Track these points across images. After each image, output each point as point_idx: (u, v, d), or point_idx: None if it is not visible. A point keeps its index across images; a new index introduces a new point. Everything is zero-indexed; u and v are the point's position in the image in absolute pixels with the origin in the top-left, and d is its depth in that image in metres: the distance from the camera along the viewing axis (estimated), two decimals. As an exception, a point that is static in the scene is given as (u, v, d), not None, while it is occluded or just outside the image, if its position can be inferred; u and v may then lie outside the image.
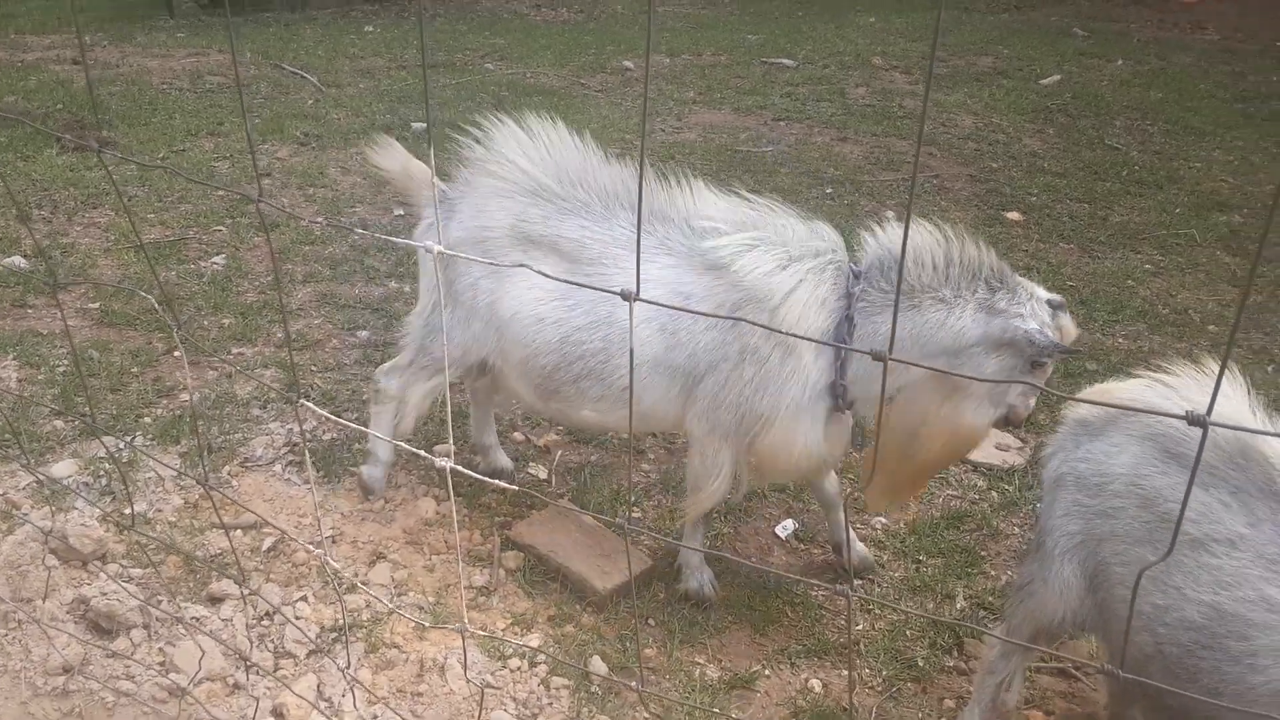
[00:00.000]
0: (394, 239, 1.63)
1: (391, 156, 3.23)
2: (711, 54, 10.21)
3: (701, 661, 2.95)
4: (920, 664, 3.02)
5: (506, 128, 3.04)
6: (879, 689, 2.94)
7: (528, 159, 3.00)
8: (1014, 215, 6.48)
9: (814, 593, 3.28)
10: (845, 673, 2.98)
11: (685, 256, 2.85)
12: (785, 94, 8.59)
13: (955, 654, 3.08)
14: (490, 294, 2.99)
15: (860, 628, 3.17)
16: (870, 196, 6.53)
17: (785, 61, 9.64)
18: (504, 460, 3.64)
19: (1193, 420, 1.11)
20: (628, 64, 9.68)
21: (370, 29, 11.23)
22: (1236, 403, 2.11)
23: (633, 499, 3.62)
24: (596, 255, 2.89)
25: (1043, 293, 2.75)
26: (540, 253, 2.93)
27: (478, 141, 3.08)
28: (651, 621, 3.08)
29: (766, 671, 2.95)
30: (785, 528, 3.56)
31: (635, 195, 2.93)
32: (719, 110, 8.17)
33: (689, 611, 3.13)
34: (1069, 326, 2.74)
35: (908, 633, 3.13)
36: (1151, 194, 6.94)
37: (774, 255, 2.75)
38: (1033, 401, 2.87)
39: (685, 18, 12.80)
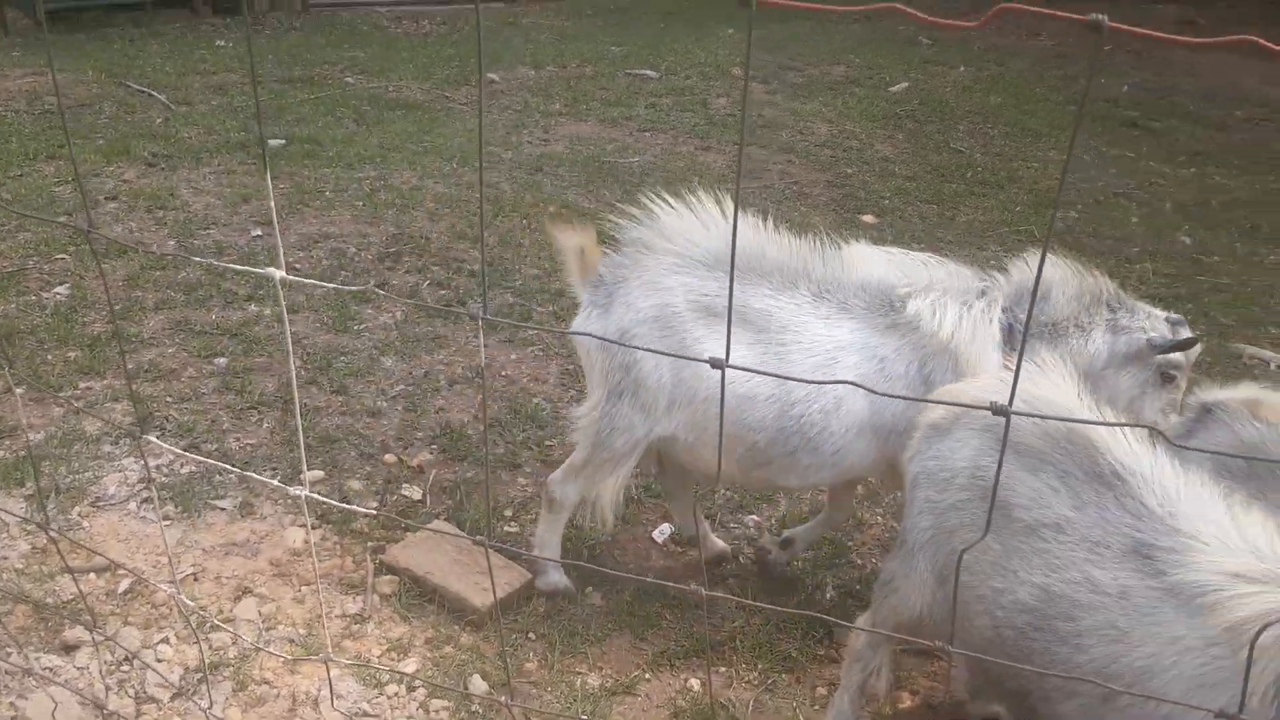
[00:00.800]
0: (232, 266, 1.58)
1: (574, 238, 3.08)
2: (576, 65, 10.27)
3: (583, 671, 2.97)
4: (794, 655, 3.13)
5: (669, 207, 3.02)
6: (755, 683, 3.02)
7: (701, 232, 2.98)
8: (868, 218, 6.77)
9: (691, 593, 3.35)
10: (723, 670, 3.06)
11: (866, 318, 2.95)
12: (649, 105, 8.73)
13: (827, 643, 3.20)
14: (679, 374, 2.92)
15: (736, 624, 3.26)
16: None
17: (648, 73, 9.79)
18: (719, 545, 3.55)
19: (996, 410, 1.21)
20: (492, 76, 9.65)
21: (222, 43, 10.83)
22: (1065, 391, 2.27)
23: (509, 513, 3.62)
24: (786, 323, 2.92)
25: (1160, 312, 2.99)
26: (722, 323, 2.91)
27: (638, 222, 3.03)
28: (532, 635, 3.08)
29: (648, 675, 3.00)
30: (662, 532, 3.62)
31: (811, 265, 2.99)
32: (585, 121, 8.24)
33: (569, 622, 3.15)
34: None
35: (781, 625, 3.23)
36: (994, 194, 7.37)
37: (952, 310, 2.91)
38: (1174, 418, 2.96)
39: (550, 29, 12.83)
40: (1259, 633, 1.27)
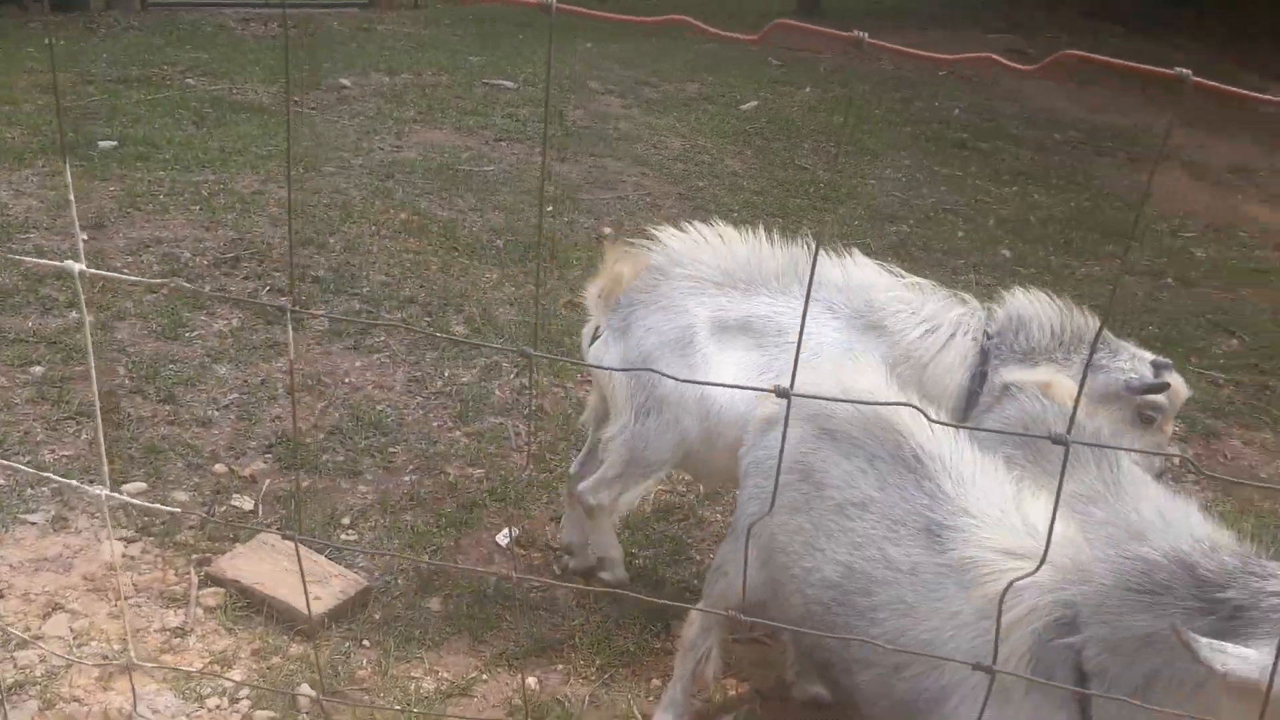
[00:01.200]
0: (24, 258, 1.51)
1: (627, 265, 3.13)
2: (433, 74, 10.17)
3: (418, 675, 2.96)
4: (631, 650, 3.20)
5: (678, 236, 3.14)
6: (592, 678, 3.08)
7: (712, 254, 3.10)
8: (719, 229, 6.98)
9: (532, 594, 3.38)
10: (561, 667, 3.11)
11: (848, 318, 3.04)
12: (507, 114, 8.74)
13: (663, 636, 3.29)
14: (699, 391, 3.02)
15: (576, 622, 3.31)
16: (589, 214, 6.79)
17: (506, 83, 9.80)
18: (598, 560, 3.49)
19: (780, 393, 1.30)
20: (344, 82, 9.45)
21: (52, 41, 10.21)
22: (874, 378, 2.44)
23: (348, 520, 3.56)
24: (786, 325, 3.03)
25: (1147, 354, 3.02)
26: (733, 335, 3.06)
27: (652, 251, 3.12)
28: (366, 642, 3.05)
29: (485, 676, 3.01)
30: (505, 535, 3.64)
31: (802, 270, 3.08)
32: (440, 129, 8.17)
33: (405, 628, 3.13)
34: (1178, 383, 2.97)
35: (620, 622, 3.30)
36: (834, 209, 7.72)
37: (922, 318, 3.02)
38: (1158, 463, 3.01)
39: (407, 37, 12.65)
40: (1004, 591, 1.41)
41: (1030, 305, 3.09)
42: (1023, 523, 1.99)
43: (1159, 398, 2.92)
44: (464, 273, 5.53)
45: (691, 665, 2.83)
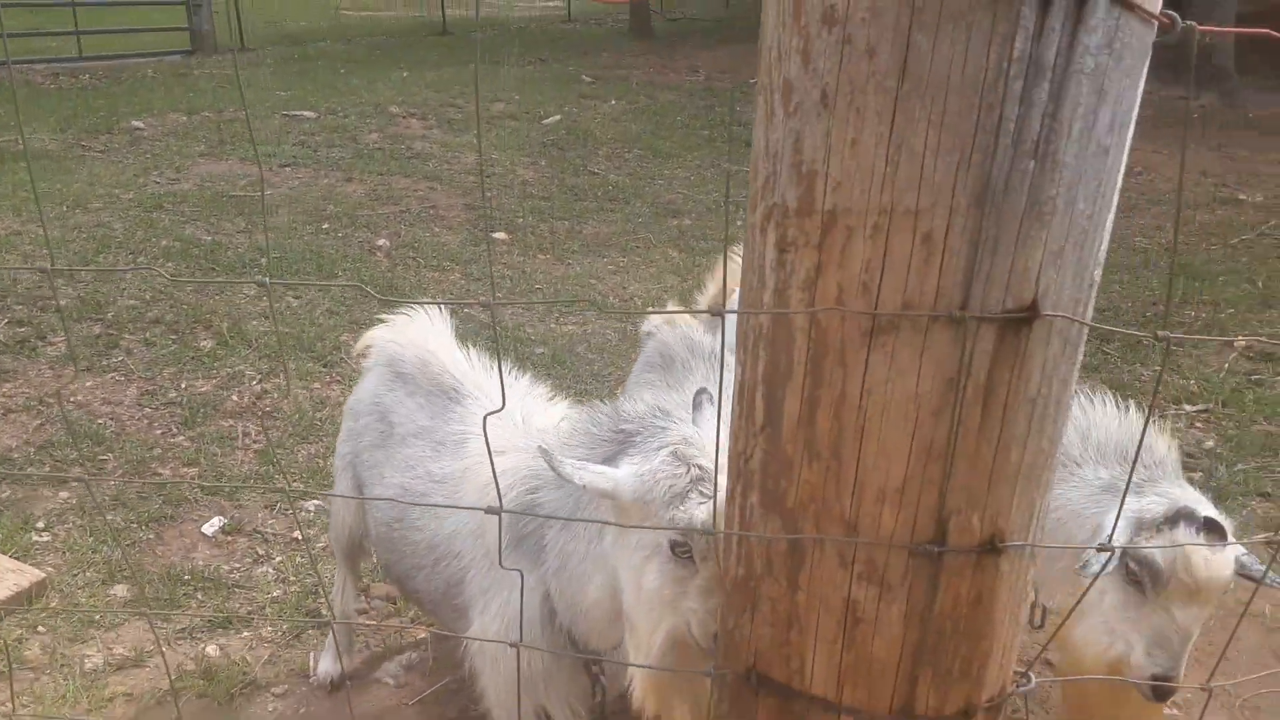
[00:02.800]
0: None
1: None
2: (233, 111, 10.20)
3: (91, 654, 3.05)
4: (323, 612, 3.36)
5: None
6: (276, 641, 3.22)
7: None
8: (501, 235, 7.22)
9: (231, 574, 3.51)
10: (246, 634, 3.24)
11: None
12: (299, 143, 8.84)
13: (360, 599, 3.45)
14: None
15: (276, 594, 3.45)
16: (366, 228, 6.95)
17: (306, 114, 9.90)
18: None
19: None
20: (138, 124, 9.40)
21: None
22: (429, 330, 2.69)
23: (42, 524, 3.62)
24: None
25: (1194, 493, 2.11)
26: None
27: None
28: (41, 629, 3.13)
29: (165, 649, 3.12)
30: (213, 524, 3.75)
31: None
32: (225, 161, 8.22)
33: (85, 614, 3.21)
34: (1198, 561, 1.95)
35: (317, 590, 3.45)
36: (621, 208, 8.06)
37: None
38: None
39: (221, 78, 12.61)
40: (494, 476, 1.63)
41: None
42: (522, 422, 2.24)
43: (1157, 561, 1.96)
44: (220, 291, 5.61)
45: (339, 605, 3.02)
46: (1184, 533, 1.93)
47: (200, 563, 3.54)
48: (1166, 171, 11.12)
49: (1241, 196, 10.05)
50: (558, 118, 10.46)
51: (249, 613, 3.33)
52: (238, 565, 3.56)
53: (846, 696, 1.54)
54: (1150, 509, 2.00)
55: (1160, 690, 1.96)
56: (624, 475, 1.74)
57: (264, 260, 6.08)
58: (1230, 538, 1.96)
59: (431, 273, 6.36)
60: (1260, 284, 7.63)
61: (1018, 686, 1.68)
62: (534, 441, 2.06)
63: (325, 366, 4.95)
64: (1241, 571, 1.96)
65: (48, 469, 3.92)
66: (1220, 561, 1.92)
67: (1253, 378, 6.14)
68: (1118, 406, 2.34)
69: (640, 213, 8.00)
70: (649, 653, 1.80)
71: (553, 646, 2.00)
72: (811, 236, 1.36)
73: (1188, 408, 5.72)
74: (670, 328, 3.10)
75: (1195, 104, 14.56)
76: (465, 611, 2.18)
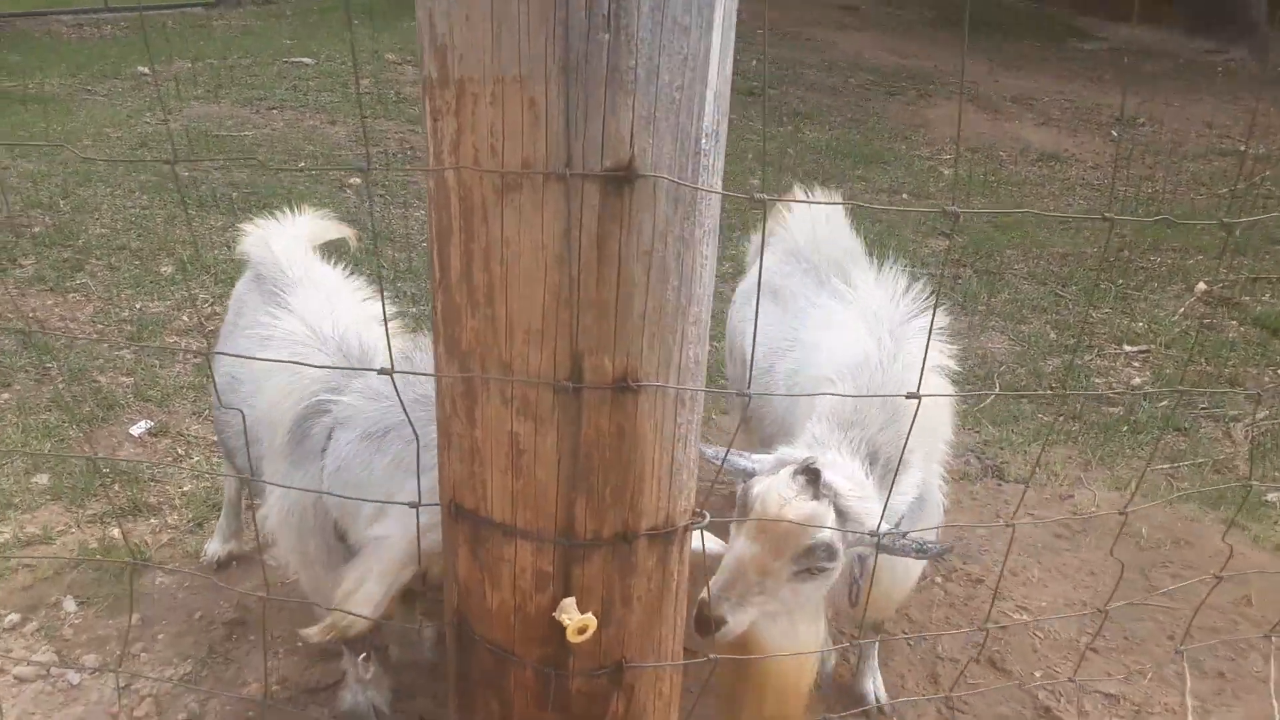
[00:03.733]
0: None
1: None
2: (238, 57, 10.47)
3: (4, 531, 3.36)
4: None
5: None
6: (180, 528, 3.52)
7: None
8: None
9: (149, 470, 3.80)
10: (154, 521, 3.54)
11: None
12: (292, 87, 9.09)
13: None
14: None
15: (187, 489, 3.73)
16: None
17: (305, 60, 10.13)
18: None
19: None
20: (143, 69, 9.71)
21: None
22: (291, 233, 2.91)
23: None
24: None
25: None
26: None
27: None
28: (-35, 510, 3.45)
29: (73, 530, 3.42)
30: (140, 427, 4.05)
31: None
32: (218, 104, 8.50)
33: (5, 498, 3.52)
34: (763, 489, 2.09)
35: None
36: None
37: None
38: None
39: (237, 28, 12.89)
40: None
41: None
42: (331, 331, 2.45)
43: (750, 494, 2.11)
44: (186, 221, 5.90)
45: (229, 491, 3.30)
46: (785, 473, 2.04)
47: (123, 458, 3.84)
48: (1173, 124, 10.96)
49: (1242, 148, 9.91)
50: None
51: (159, 503, 3.62)
52: (157, 463, 3.86)
53: (519, 520, 1.75)
54: (791, 456, 2.13)
55: (699, 620, 2.04)
56: None
57: (234, 195, 6.35)
58: (842, 498, 2.06)
59: (399, 209, 6.60)
60: (1237, 232, 7.59)
61: (693, 523, 1.88)
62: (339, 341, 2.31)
63: (277, 292, 5.21)
64: (888, 547, 2.06)
65: (-5, 374, 4.24)
66: (791, 509, 1.99)
67: (1205, 321, 6.18)
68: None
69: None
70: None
71: (323, 532, 2.25)
72: (450, 104, 1.55)
73: (1128, 348, 5.79)
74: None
75: (1223, 58, 14.22)
76: (262, 492, 2.43)
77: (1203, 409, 5.09)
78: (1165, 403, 5.96)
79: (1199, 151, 9.82)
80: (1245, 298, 6.37)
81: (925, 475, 2.43)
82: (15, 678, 2.76)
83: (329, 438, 2.23)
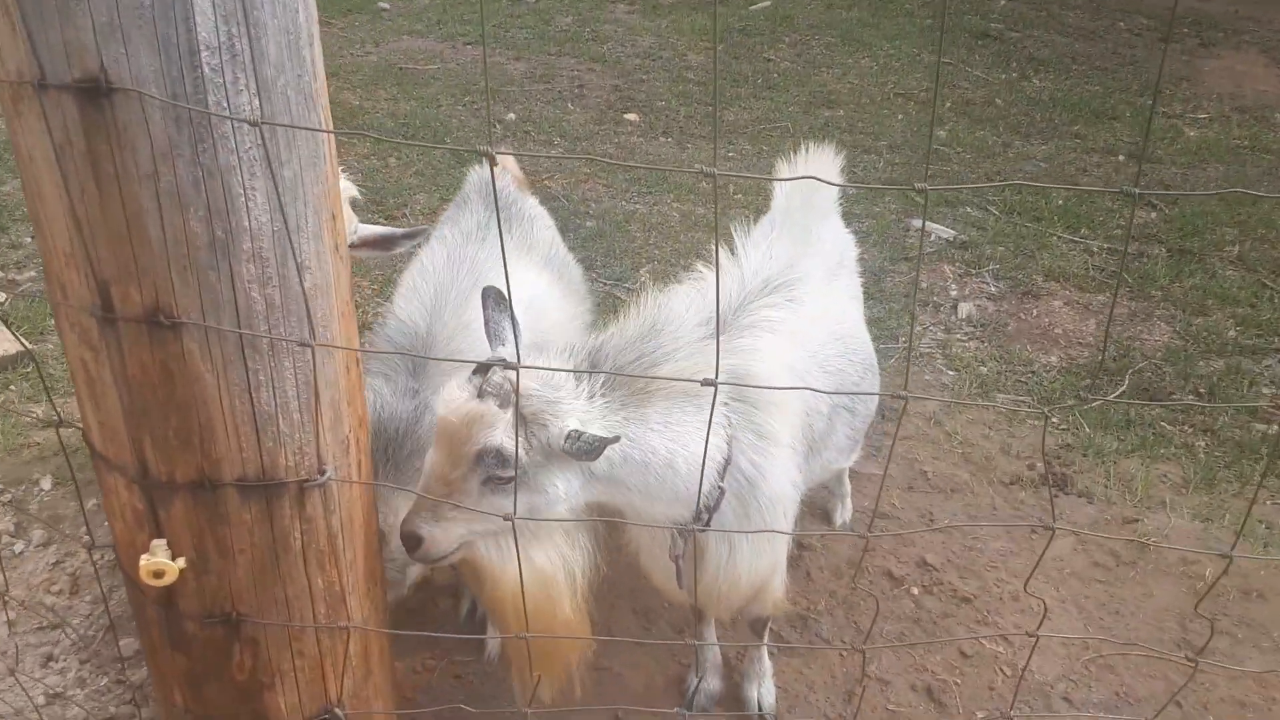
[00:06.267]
0: None
1: None
2: (472, -5, 10.98)
3: None
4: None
5: None
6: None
7: None
8: (632, 116, 7.31)
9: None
10: None
11: None
12: (498, 24, 9.38)
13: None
14: None
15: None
16: (502, 103, 7.35)
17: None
18: None
19: None
20: (384, 4, 10.45)
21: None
22: None
23: None
24: None
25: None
26: None
27: None
28: (12, 388, 3.95)
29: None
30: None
31: None
32: (425, 38, 8.95)
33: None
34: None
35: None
36: (776, 96, 7.76)
37: None
38: None
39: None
40: None
41: None
42: None
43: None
44: (340, 145, 6.29)
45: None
46: (463, 374, 1.95)
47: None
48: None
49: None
50: (768, 3, 10.10)
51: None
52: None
53: (110, 453, 1.71)
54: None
55: (402, 537, 1.99)
56: None
57: (391, 125, 6.69)
58: (523, 400, 1.87)
59: (539, 147, 6.65)
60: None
61: (311, 479, 1.73)
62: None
63: (386, 219, 5.46)
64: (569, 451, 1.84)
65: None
66: (450, 409, 1.89)
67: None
68: None
69: (793, 101, 7.67)
70: None
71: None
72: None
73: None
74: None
75: None
76: None
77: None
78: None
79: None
80: None
81: (735, 442, 2.08)
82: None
83: None
